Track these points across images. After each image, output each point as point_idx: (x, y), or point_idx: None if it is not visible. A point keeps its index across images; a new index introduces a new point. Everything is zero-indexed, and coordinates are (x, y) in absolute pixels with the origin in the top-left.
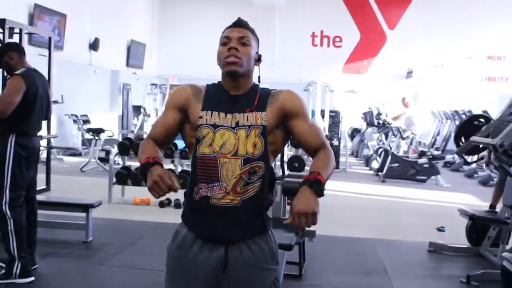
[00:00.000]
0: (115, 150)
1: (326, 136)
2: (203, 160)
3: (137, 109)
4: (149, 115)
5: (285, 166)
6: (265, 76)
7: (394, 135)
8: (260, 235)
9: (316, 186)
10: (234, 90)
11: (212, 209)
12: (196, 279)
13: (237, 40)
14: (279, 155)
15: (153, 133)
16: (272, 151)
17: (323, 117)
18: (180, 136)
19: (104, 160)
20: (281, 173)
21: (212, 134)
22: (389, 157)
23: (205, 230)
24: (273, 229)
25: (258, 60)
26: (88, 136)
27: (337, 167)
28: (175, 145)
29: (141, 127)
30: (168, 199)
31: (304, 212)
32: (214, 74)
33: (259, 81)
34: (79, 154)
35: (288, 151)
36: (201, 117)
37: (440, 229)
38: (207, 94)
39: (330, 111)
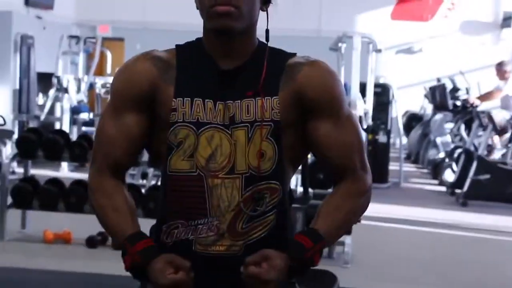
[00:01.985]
0: (8, 149)
1: (367, 128)
2: (180, 182)
3: (46, 79)
4: (66, 90)
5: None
6: (258, 26)
7: (482, 126)
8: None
9: (300, 264)
10: (226, 60)
11: (197, 261)
12: None
13: None
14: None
15: (111, 157)
16: (291, 160)
17: (363, 95)
18: None
19: None
20: (302, 192)
21: (193, 138)
22: (474, 164)
23: None
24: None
25: (267, 0)
26: None
27: (385, 180)
28: None
29: (52, 111)
30: (101, 234)
31: (264, 279)
32: (177, 22)
33: (267, 39)
34: None
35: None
36: (174, 110)
37: None
38: (180, 67)
39: (375, 85)
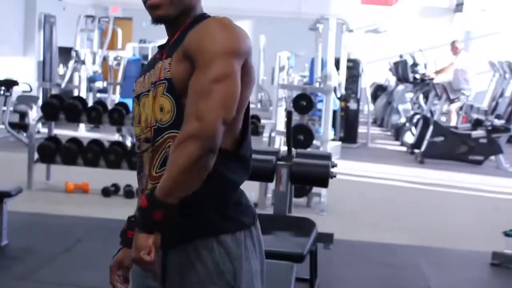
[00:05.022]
0: (34, 112)
1: (341, 97)
2: (137, 144)
3: (66, 52)
4: (83, 62)
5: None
6: (243, 7)
7: (437, 95)
8: (202, 240)
9: (139, 218)
10: (173, 36)
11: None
12: None
13: None
14: (276, 124)
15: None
16: None
17: (338, 68)
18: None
19: (18, 126)
20: (286, 150)
21: (137, 108)
22: (430, 128)
23: None
24: (276, 231)
25: None
26: None
27: (355, 141)
28: (126, 107)
29: (71, 79)
30: (114, 185)
31: (133, 259)
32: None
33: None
34: None
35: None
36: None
37: (508, 234)
38: None
39: (348, 60)
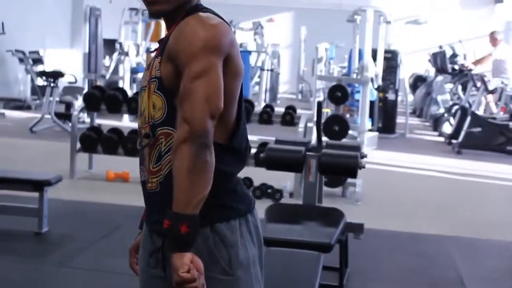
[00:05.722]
0: (79, 103)
1: (378, 87)
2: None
3: (110, 44)
4: (127, 54)
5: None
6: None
7: (475, 86)
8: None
9: (169, 241)
10: (168, 30)
11: (145, 196)
12: None
13: None
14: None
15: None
16: None
17: (375, 59)
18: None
19: (64, 116)
20: (316, 142)
21: (140, 100)
22: (468, 118)
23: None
24: (304, 221)
25: None
26: (40, 82)
27: (393, 131)
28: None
29: (116, 71)
30: None
31: (175, 282)
32: None
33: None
34: (28, 108)
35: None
36: None
37: None
38: None
39: (385, 51)
